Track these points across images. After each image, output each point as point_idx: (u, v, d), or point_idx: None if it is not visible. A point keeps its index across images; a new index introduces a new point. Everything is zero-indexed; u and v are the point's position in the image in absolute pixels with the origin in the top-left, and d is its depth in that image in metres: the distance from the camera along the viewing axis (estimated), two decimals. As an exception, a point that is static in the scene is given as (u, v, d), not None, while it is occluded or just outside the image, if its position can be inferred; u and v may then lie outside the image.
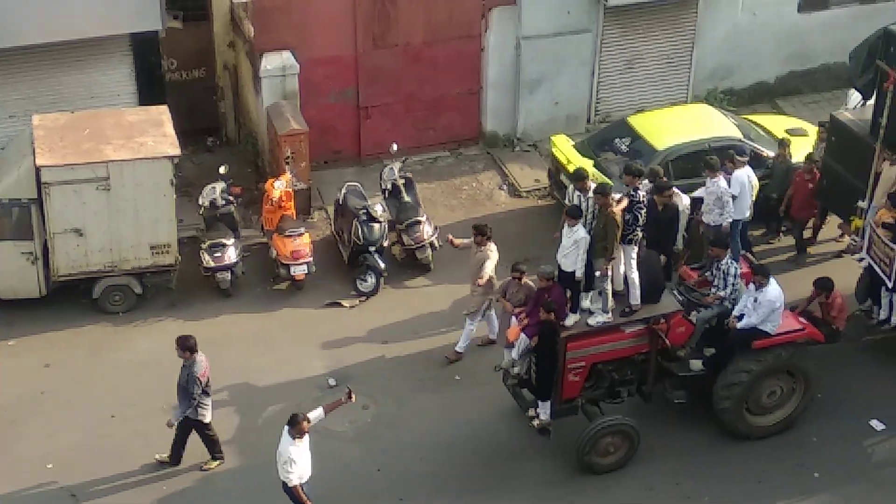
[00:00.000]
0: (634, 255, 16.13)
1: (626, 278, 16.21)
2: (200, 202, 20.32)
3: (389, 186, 20.89)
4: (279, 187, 20.03)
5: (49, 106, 20.69)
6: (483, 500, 16.51)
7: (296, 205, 20.55)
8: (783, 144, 20.71)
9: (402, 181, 20.86)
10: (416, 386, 18.22)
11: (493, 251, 18.11)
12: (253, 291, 20.09)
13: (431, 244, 20.23)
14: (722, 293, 16.93)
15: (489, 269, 17.97)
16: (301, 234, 19.89)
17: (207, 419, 16.40)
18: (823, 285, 17.89)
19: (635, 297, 16.24)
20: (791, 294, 17.70)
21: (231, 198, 20.32)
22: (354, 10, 21.80)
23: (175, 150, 18.85)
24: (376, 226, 19.86)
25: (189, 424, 16.41)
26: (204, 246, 19.74)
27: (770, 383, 17.09)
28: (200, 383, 15.99)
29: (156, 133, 19.08)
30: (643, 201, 16.11)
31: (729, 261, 17.01)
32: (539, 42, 23.04)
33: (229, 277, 19.74)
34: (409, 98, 22.85)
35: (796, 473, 16.97)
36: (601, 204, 15.77)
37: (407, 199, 20.70)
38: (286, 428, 14.90)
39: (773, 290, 16.59)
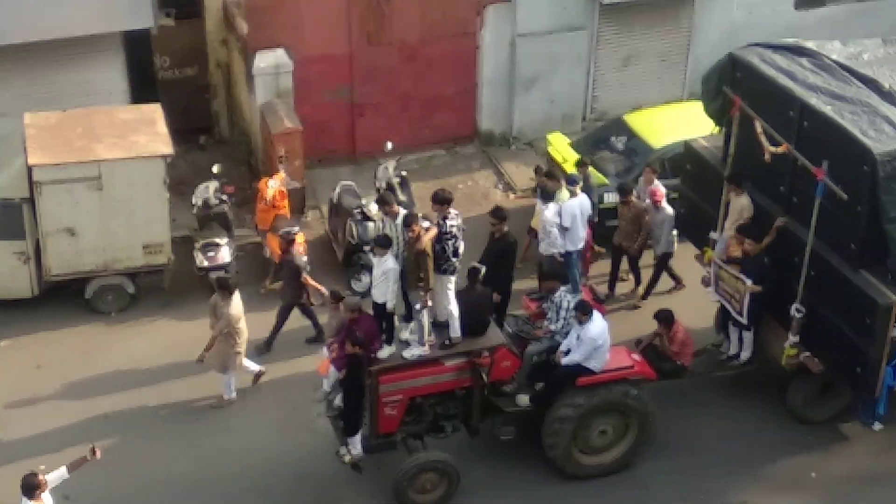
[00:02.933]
0: (451, 286, 15.46)
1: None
2: (194, 201, 20.24)
3: (384, 185, 20.80)
4: (273, 186, 19.96)
5: (41, 104, 20.56)
6: (484, 498, 16.44)
7: (290, 204, 20.46)
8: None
9: (397, 180, 20.78)
10: (413, 386, 18.14)
11: (235, 302, 17.34)
12: (246, 291, 19.94)
13: (427, 243, 20.15)
14: (553, 326, 16.37)
15: (222, 326, 17.17)
16: (295, 234, 19.79)
17: None
18: (663, 318, 17.15)
19: (454, 329, 15.48)
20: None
21: (224, 197, 20.26)
22: (349, 7, 21.75)
23: (168, 149, 18.76)
24: (371, 225, 19.78)
25: None
26: (197, 245, 19.67)
27: (599, 422, 16.25)
28: None
29: (148, 131, 19.00)
30: (451, 232, 15.32)
31: (562, 293, 16.47)
32: (534, 40, 22.98)
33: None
34: (403, 96, 22.78)
35: (794, 473, 16.91)
36: (408, 236, 15.01)
37: (402, 198, 20.59)
38: (22, 494, 13.36)
39: (595, 327, 15.76)
